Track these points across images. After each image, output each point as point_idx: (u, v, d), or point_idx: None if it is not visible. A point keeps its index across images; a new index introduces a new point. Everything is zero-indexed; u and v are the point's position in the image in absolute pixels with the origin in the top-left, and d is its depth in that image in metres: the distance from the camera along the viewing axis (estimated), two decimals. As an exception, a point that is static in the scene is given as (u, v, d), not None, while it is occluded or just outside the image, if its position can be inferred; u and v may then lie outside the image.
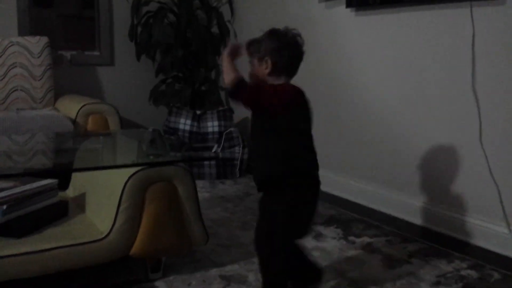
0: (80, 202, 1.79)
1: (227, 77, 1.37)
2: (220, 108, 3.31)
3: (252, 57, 1.45)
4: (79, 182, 1.91)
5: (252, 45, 1.46)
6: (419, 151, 2.24)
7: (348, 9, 2.55)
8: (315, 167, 1.47)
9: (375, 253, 1.94)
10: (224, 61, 1.41)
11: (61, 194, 1.77)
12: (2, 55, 2.94)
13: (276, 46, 1.40)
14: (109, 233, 1.52)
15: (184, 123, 3.18)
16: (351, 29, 2.57)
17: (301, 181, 1.41)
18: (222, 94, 3.73)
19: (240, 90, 1.33)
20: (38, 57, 3.01)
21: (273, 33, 1.45)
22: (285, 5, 3.04)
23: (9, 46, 2.96)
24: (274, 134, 1.36)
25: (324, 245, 2.00)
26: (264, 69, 1.40)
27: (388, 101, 2.39)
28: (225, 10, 3.61)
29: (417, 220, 2.25)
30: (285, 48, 1.41)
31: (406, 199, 2.31)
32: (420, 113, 2.23)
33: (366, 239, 2.08)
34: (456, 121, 2.08)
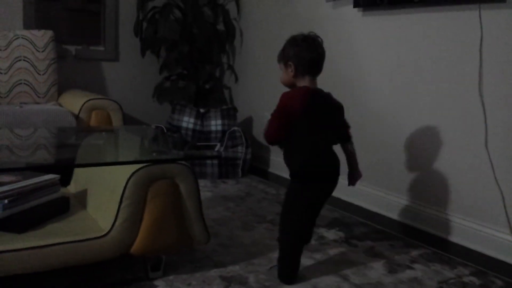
0: (81, 198, 1.78)
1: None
2: (224, 107, 3.29)
3: (280, 64, 1.68)
4: (81, 178, 1.90)
5: (279, 54, 1.69)
6: (423, 155, 2.23)
7: (356, 9, 2.53)
8: (325, 163, 1.64)
9: (378, 257, 1.92)
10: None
11: (62, 189, 1.76)
12: (6, 48, 2.93)
13: (296, 51, 1.62)
14: (110, 230, 1.51)
15: (188, 121, 3.17)
16: (358, 29, 2.55)
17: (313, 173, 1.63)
18: (226, 93, 3.72)
19: (267, 141, 1.67)
20: (43, 51, 3.00)
21: (292, 40, 1.66)
22: (292, 4, 3.03)
23: (14, 39, 2.95)
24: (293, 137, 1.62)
25: (326, 248, 1.99)
26: (290, 72, 1.64)
27: (393, 103, 2.37)
28: (231, 7, 3.60)
29: (420, 225, 2.23)
30: (304, 51, 1.61)
31: (410, 203, 2.29)
32: (425, 116, 2.21)
33: (368, 243, 2.06)
34: (462, 125, 2.06)
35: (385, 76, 2.41)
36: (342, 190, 2.64)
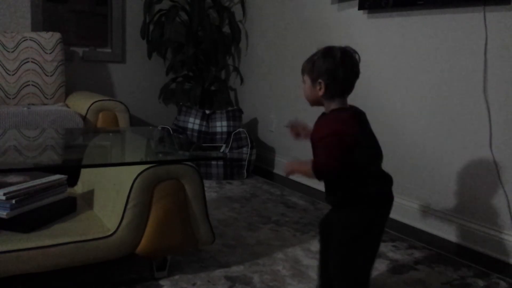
0: (88, 199, 1.80)
1: (309, 175, 1.31)
2: (229, 108, 3.31)
3: (305, 76, 1.38)
4: (87, 178, 1.92)
5: (307, 63, 1.38)
6: (427, 157, 2.23)
7: (361, 11, 2.54)
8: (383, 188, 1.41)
9: (381, 258, 1.93)
10: (293, 169, 1.36)
11: (69, 190, 1.78)
12: (14, 50, 2.96)
13: (330, 68, 1.33)
14: (116, 230, 1.53)
15: (193, 123, 3.19)
16: (363, 31, 2.56)
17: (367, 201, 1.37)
18: (232, 94, 3.74)
19: (320, 175, 1.31)
20: (51, 53, 3.03)
21: (327, 53, 1.35)
22: (297, 7, 3.04)
23: (22, 41, 2.98)
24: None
25: (330, 249, 1.99)
26: (317, 90, 1.35)
27: (397, 105, 2.38)
28: (237, 10, 3.62)
29: (424, 227, 2.23)
30: (340, 70, 1.33)
31: (414, 205, 2.30)
32: (429, 118, 2.22)
33: (372, 244, 2.07)
34: (466, 127, 2.06)
35: (389, 78, 2.42)
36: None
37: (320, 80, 1.33)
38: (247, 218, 2.33)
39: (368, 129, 1.41)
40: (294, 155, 3.10)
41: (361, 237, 1.34)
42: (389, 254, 1.97)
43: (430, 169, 2.23)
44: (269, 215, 2.39)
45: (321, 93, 1.35)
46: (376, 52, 2.49)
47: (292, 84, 3.11)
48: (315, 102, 1.39)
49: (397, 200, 2.37)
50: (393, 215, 2.37)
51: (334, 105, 1.37)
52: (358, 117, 1.38)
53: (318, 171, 1.29)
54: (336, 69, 1.32)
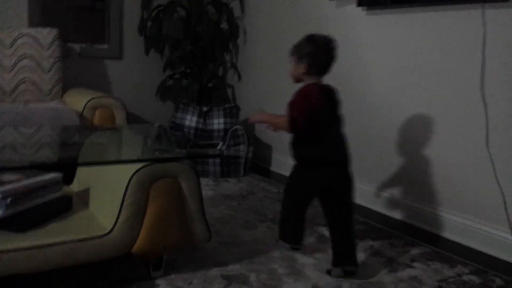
0: (84, 197, 1.79)
1: (278, 125, 1.72)
2: (227, 105, 3.30)
3: (291, 58, 1.72)
4: (84, 176, 1.92)
5: (293, 47, 1.73)
6: (424, 154, 2.23)
7: (359, 8, 2.53)
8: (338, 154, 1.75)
9: (378, 255, 1.93)
10: (264, 117, 1.82)
11: (65, 188, 1.78)
12: (11, 46, 2.95)
13: (312, 50, 1.67)
14: (112, 229, 1.53)
15: (190, 120, 3.18)
16: (362, 28, 2.56)
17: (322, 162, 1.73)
18: (229, 91, 3.73)
19: (292, 127, 1.67)
20: (48, 49, 3.02)
21: (310, 38, 1.70)
22: (296, 3, 3.03)
23: (19, 37, 2.96)
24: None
25: (327, 247, 1.99)
26: (300, 69, 1.70)
27: (396, 101, 2.38)
28: (235, 6, 3.60)
29: (420, 224, 2.24)
30: (320, 52, 1.67)
31: (410, 202, 2.30)
32: (427, 115, 2.21)
33: (368, 242, 2.07)
34: (463, 125, 2.06)
35: (388, 75, 2.41)
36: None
37: (303, 61, 1.68)
38: (244, 216, 2.33)
39: (334, 101, 1.75)
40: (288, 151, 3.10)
41: (308, 186, 1.76)
42: (385, 252, 1.97)
43: (426, 166, 2.22)
44: (266, 213, 2.39)
45: (302, 71, 1.70)
46: (374, 49, 2.48)
47: (289, 81, 3.10)
48: (297, 79, 1.75)
49: (391, 196, 2.38)
50: (386, 211, 2.37)
51: (309, 82, 1.71)
52: (326, 90, 1.73)
53: (291, 123, 1.64)
54: (316, 52, 1.67)
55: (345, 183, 1.74)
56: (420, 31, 2.23)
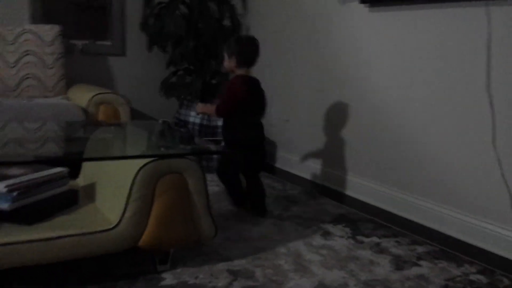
0: (90, 192, 1.79)
1: (211, 113, 2.32)
2: (230, 102, 3.29)
3: (224, 53, 2.24)
4: (89, 171, 1.91)
5: (225, 45, 2.26)
6: (430, 152, 2.22)
7: (362, 5, 2.52)
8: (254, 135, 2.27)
9: (384, 253, 1.92)
10: (204, 109, 2.35)
11: (71, 183, 1.77)
12: (14, 42, 2.94)
13: (239, 48, 2.20)
14: (118, 224, 1.52)
15: (195, 116, 3.17)
16: (365, 25, 2.55)
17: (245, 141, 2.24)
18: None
19: (219, 114, 2.25)
20: (50, 46, 3.01)
21: (237, 38, 2.27)
22: (296, 0, 3.02)
23: (22, 34, 2.96)
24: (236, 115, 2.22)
25: (332, 244, 1.99)
26: (231, 62, 2.22)
27: (400, 99, 2.37)
28: (237, 2, 3.60)
29: (427, 222, 2.23)
30: (245, 50, 2.21)
31: (416, 200, 2.29)
32: (432, 114, 2.21)
33: (375, 239, 2.06)
34: (469, 123, 2.05)
35: (392, 73, 2.41)
36: (348, 186, 2.65)
37: (233, 56, 2.20)
38: (249, 212, 2.32)
39: (256, 92, 2.26)
40: (295, 149, 3.09)
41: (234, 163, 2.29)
42: (391, 250, 1.96)
43: (432, 164, 2.22)
44: (271, 209, 2.38)
45: (233, 64, 2.21)
46: (377, 46, 2.48)
47: (292, 78, 3.10)
48: (230, 70, 2.27)
49: (397, 194, 2.38)
50: (392, 209, 2.37)
51: (239, 72, 2.22)
52: (249, 82, 2.22)
53: (217, 111, 2.21)
54: (242, 48, 2.20)
55: (259, 161, 2.31)
56: (424, 29, 2.22)
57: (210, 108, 2.27)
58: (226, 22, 3.62)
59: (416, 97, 2.29)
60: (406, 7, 2.30)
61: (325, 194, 2.68)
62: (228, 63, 2.24)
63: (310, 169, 2.95)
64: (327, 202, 2.55)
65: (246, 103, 2.16)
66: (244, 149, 2.22)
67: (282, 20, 3.18)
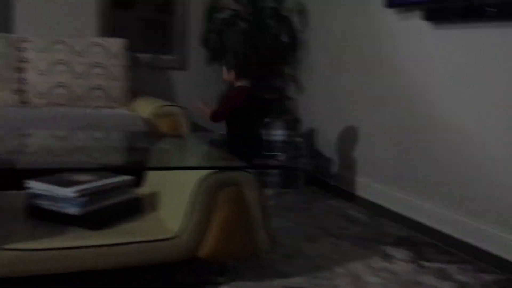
0: (152, 200, 1.82)
1: (205, 115, 2.51)
2: (287, 117, 3.29)
3: (226, 69, 2.52)
4: (152, 180, 1.95)
5: (225, 61, 2.57)
6: (493, 171, 2.11)
7: (426, 22, 2.46)
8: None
9: (448, 280, 1.83)
10: (201, 107, 2.51)
11: (136, 191, 1.82)
12: (83, 54, 3.08)
13: (237, 62, 2.50)
14: (179, 233, 1.54)
15: (251, 130, 3.20)
16: (427, 42, 2.48)
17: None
18: (289, 103, 3.72)
19: (215, 117, 2.50)
20: (116, 58, 3.13)
21: (235, 54, 2.60)
22: (359, 16, 2.99)
23: (90, 46, 3.10)
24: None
25: (393, 267, 1.92)
26: (232, 75, 2.50)
27: (460, 118, 2.28)
28: (297, 19, 3.61)
29: (495, 250, 2.11)
30: (243, 63, 2.52)
31: (484, 226, 2.18)
32: (492, 134, 2.10)
33: (438, 265, 1.97)
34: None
35: (453, 91, 2.32)
36: (409, 208, 2.56)
37: (232, 70, 2.49)
38: (306, 229, 2.29)
39: (254, 101, 2.51)
40: (355, 168, 3.03)
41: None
42: (456, 277, 1.87)
43: (498, 188, 2.10)
44: (329, 227, 2.33)
45: (232, 76, 2.50)
46: (439, 64, 2.40)
47: (352, 94, 3.05)
48: (231, 83, 2.53)
49: (461, 218, 2.26)
50: (456, 233, 2.25)
51: (238, 84, 2.50)
52: (247, 92, 2.49)
53: (213, 115, 2.47)
54: (239, 63, 2.50)
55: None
56: (489, 47, 2.13)
57: (207, 110, 2.47)
58: (285, 38, 3.64)
59: (478, 115, 2.19)
60: (472, 24, 2.22)
61: (386, 215, 2.60)
62: (228, 76, 2.50)
63: (370, 188, 2.88)
64: (388, 223, 2.47)
65: (243, 111, 2.45)
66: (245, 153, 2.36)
67: (342, 36, 3.16)
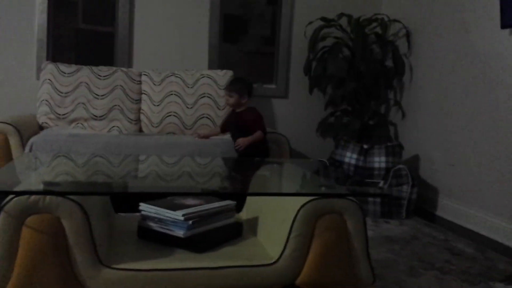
0: (252, 225, 1.88)
1: (258, 139, 2.83)
2: (389, 144, 3.21)
3: (230, 92, 2.90)
4: (252, 205, 2.02)
5: (231, 85, 2.97)
6: None
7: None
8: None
9: None
10: (249, 141, 2.82)
11: (237, 215, 1.89)
12: (194, 85, 3.31)
13: (242, 86, 2.90)
14: (278, 259, 1.56)
15: (350, 157, 3.16)
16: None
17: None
18: (392, 129, 3.63)
19: (264, 137, 2.87)
20: (223, 89, 3.31)
21: (241, 80, 2.98)
22: (468, 39, 2.86)
23: (200, 78, 3.32)
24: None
25: (506, 307, 1.77)
26: (238, 97, 2.86)
27: None
28: (401, 44, 3.54)
29: None
30: (246, 87, 2.91)
31: None
32: None
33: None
34: None
35: None
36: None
37: (238, 92, 2.86)
38: (408, 261, 2.20)
39: None
40: (461, 196, 2.86)
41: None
42: None
43: None
44: (432, 260, 2.22)
45: (243, 100, 2.87)
46: None
47: (461, 121, 2.90)
48: (236, 106, 2.90)
49: None
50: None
51: (246, 105, 2.89)
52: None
53: (264, 134, 2.83)
54: (244, 87, 2.90)
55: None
56: None
57: (252, 138, 2.79)
58: (389, 63, 3.58)
59: None
60: None
61: (496, 248, 2.41)
62: (237, 100, 2.85)
63: (477, 219, 2.69)
64: (498, 257, 2.29)
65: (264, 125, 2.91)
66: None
67: (450, 60, 3.03)
